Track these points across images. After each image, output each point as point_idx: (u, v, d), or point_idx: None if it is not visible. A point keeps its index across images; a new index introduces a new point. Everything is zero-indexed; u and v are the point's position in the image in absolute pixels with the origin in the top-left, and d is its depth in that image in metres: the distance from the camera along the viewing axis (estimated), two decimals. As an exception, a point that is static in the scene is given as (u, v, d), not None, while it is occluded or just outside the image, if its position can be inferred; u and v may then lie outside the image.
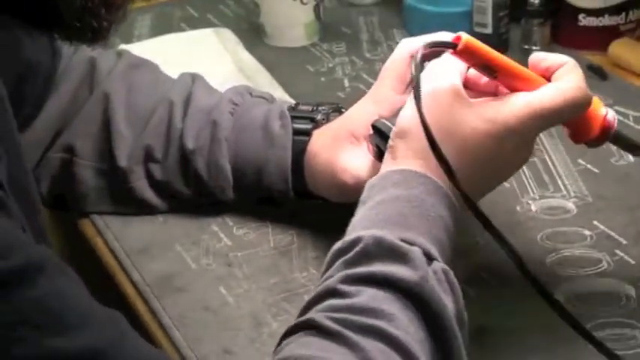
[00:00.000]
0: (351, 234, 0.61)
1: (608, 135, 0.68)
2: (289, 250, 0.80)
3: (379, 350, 0.54)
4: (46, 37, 0.83)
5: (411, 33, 1.14)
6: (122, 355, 0.50)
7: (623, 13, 1.06)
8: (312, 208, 0.84)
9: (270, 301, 0.74)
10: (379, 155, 0.73)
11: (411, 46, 0.75)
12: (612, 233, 0.78)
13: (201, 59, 0.96)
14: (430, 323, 0.56)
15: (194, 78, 0.86)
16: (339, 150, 0.76)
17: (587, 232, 0.79)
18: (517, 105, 0.64)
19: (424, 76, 0.64)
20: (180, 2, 1.28)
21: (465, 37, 0.64)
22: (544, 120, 0.64)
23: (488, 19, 1.07)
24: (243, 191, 0.82)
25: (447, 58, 0.65)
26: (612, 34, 1.07)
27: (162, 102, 0.84)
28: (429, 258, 0.58)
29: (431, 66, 0.66)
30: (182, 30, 1.20)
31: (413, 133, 0.63)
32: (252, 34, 1.17)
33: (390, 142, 0.65)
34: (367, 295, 0.56)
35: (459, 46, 0.64)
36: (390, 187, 0.62)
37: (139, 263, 0.79)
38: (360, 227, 0.61)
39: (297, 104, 0.83)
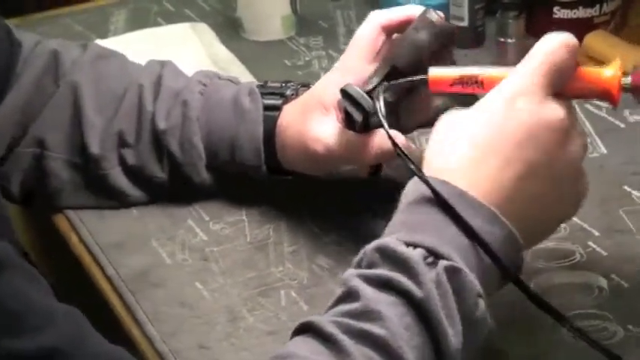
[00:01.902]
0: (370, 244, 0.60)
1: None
2: (265, 245, 0.80)
3: (366, 356, 0.54)
4: (3, 30, 0.83)
5: (388, 26, 1.14)
6: (81, 353, 0.50)
7: (598, 6, 1.07)
8: (289, 202, 0.84)
9: (245, 295, 0.74)
10: (348, 122, 0.74)
11: (380, 17, 0.76)
12: (585, 225, 0.79)
13: (177, 54, 0.96)
14: (428, 334, 0.56)
15: (163, 63, 0.86)
16: (309, 120, 0.76)
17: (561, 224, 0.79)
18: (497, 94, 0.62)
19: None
20: (157, -4, 1.28)
21: (431, 72, 0.66)
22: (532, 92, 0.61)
23: (465, 12, 1.08)
24: (216, 170, 0.82)
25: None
26: (587, 26, 1.07)
27: (132, 87, 0.83)
28: (436, 256, 0.57)
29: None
30: (158, 24, 1.19)
31: (449, 140, 0.61)
32: (229, 28, 1.17)
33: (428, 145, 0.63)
34: (369, 299, 0.56)
35: (429, 83, 0.65)
36: (417, 194, 0.60)
37: (114, 258, 0.79)
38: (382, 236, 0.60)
39: (265, 82, 0.84)
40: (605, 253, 0.76)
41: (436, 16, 0.72)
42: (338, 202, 0.84)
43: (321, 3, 1.23)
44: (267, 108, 0.80)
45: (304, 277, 0.76)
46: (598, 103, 0.95)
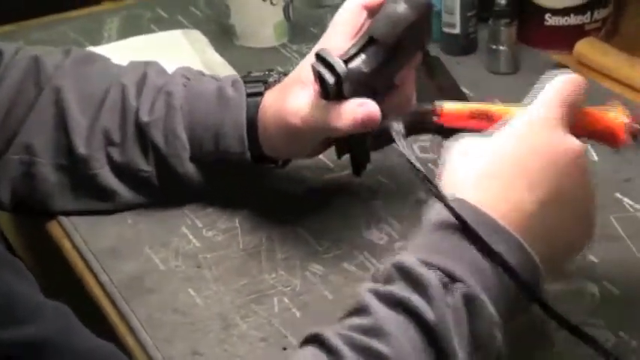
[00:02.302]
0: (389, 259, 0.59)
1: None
2: (258, 252, 0.80)
3: None
4: None
5: (380, 33, 1.15)
6: (69, 347, 0.51)
7: (589, 13, 1.08)
8: (281, 209, 0.84)
9: (238, 302, 0.75)
10: (324, 92, 0.74)
11: None
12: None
13: (170, 61, 0.96)
14: (436, 358, 0.55)
15: (147, 63, 0.87)
16: (287, 96, 0.77)
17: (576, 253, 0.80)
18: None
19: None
20: (150, 3, 1.28)
21: (445, 107, 0.67)
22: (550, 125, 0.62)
23: (457, 19, 1.08)
24: (201, 160, 0.82)
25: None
26: (578, 33, 1.08)
27: (115, 85, 0.84)
28: (453, 279, 0.56)
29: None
30: (152, 31, 1.20)
31: (470, 166, 0.61)
32: (223, 35, 1.17)
33: (451, 162, 0.63)
34: (379, 315, 0.55)
35: (441, 117, 0.66)
36: (441, 214, 0.59)
37: (107, 265, 0.79)
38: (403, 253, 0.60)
39: (248, 72, 0.85)
40: (596, 260, 0.76)
41: None
42: (330, 209, 0.84)
43: (313, 10, 1.23)
44: (250, 95, 0.81)
45: (297, 284, 0.76)
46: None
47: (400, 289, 0.56)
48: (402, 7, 0.73)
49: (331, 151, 0.83)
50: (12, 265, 0.52)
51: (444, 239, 0.58)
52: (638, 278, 0.75)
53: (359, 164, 0.82)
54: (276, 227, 0.82)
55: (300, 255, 0.79)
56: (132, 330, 0.73)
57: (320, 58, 0.73)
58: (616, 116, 0.66)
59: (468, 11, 1.08)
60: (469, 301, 0.55)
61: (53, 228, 0.86)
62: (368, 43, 0.73)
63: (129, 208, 0.85)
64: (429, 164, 0.89)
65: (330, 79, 0.72)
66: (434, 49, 1.07)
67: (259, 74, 0.84)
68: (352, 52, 0.73)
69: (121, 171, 0.83)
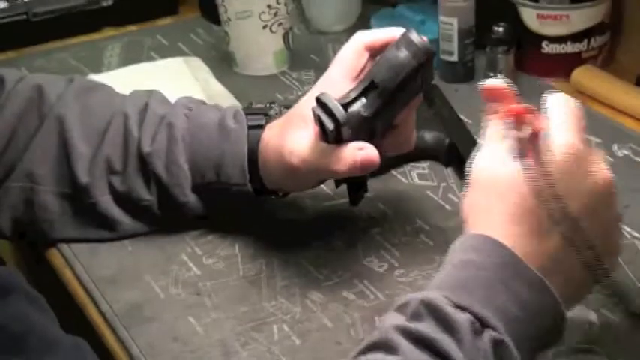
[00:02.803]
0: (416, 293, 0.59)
1: None
2: (258, 279, 0.80)
3: None
4: None
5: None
6: None
7: (585, 41, 1.08)
8: (281, 237, 0.84)
9: (239, 329, 0.75)
10: (322, 133, 0.74)
11: (364, 37, 0.77)
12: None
13: (171, 88, 0.97)
14: None
15: (149, 92, 0.87)
16: (288, 134, 0.77)
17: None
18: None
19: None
20: (151, 31, 1.29)
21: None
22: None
23: (454, 46, 1.09)
24: (203, 191, 0.82)
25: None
26: (575, 61, 1.09)
27: (117, 115, 0.84)
28: (483, 324, 0.56)
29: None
30: (152, 59, 1.21)
31: (506, 197, 0.61)
32: (222, 62, 1.18)
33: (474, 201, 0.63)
34: (409, 357, 0.55)
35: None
36: (468, 251, 0.60)
37: (108, 293, 0.80)
38: (428, 287, 0.60)
39: (250, 103, 0.85)
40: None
41: (416, 36, 0.74)
42: (330, 237, 0.85)
43: (312, 37, 1.24)
44: (251, 127, 0.82)
45: (297, 311, 0.76)
46: (586, 137, 0.96)
47: (430, 329, 0.56)
48: (403, 54, 0.73)
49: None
50: (34, 299, 0.52)
51: (473, 278, 0.58)
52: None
53: (356, 195, 0.82)
54: (276, 255, 0.83)
55: (300, 282, 0.80)
56: (132, 358, 0.73)
57: (320, 102, 0.73)
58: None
59: (466, 39, 1.09)
60: (497, 345, 0.56)
61: (53, 256, 0.86)
62: (369, 87, 0.74)
63: (130, 236, 0.85)
64: (428, 192, 0.90)
65: (329, 125, 0.73)
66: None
67: (261, 106, 0.84)
68: (352, 95, 0.74)
69: (123, 200, 0.84)
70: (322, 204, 0.89)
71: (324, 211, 0.88)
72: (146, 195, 0.83)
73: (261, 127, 0.81)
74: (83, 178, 0.83)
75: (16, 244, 1.00)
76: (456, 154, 0.89)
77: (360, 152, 0.73)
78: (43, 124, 0.84)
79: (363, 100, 0.74)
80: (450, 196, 0.89)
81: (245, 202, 0.82)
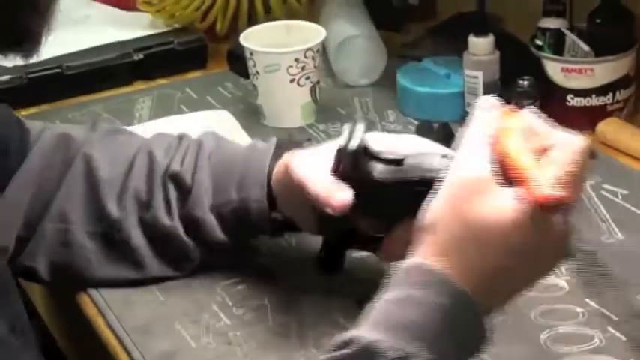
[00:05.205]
0: (352, 330, 0.62)
1: None
2: (288, 330, 0.81)
3: None
4: (13, 119, 0.87)
5: (405, 113, 1.17)
6: None
7: (610, 94, 1.09)
8: (311, 287, 0.85)
9: (269, 379, 0.75)
10: (335, 163, 0.75)
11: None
12: (604, 310, 0.80)
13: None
14: None
15: (179, 134, 0.91)
16: (304, 153, 0.80)
17: (578, 309, 0.80)
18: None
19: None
20: (180, 84, 1.31)
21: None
22: None
23: (480, 100, 1.10)
24: (222, 211, 0.84)
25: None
26: (600, 113, 1.09)
27: (143, 149, 0.88)
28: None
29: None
30: (182, 111, 1.23)
31: (440, 227, 0.63)
32: (250, 115, 1.20)
33: (417, 233, 0.64)
34: None
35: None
36: (404, 285, 0.62)
37: (140, 342, 0.80)
38: (365, 322, 0.63)
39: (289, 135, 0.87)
40: (624, 338, 0.76)
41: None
42: (361, 287, 0.85)
43: (339, 90, 1.26)
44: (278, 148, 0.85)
45: (327, 361, 0.77)
46: (614, 189, 0.97)
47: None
48: (437, 161, 0.72)
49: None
50: (9, 346, 0.53)
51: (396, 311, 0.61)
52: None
53: (334, 260, 0.81)
54: (305, 305, 0.83)
55: (329, 333, 0.80)
56: (164, 407, 0.74)
57: (359, 125, 0.75)
58: (538, 185, 0.62)
59: (491, 92, 1.10)
60: None
61: (86, 304, 0.87)
62: (395, 162, 0.74)
63: (160, 280, 0.86)
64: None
65: (342, 140, 0.74)
66: (457, 130, 1.08)
67: (297, 140, 0.86)
68: (383, 156, 0.74)
69: (151, 231, 0.85)
70: (350, 254, 0.89)
71: (352, 262, 0.89)
72: (167, 221, 0.85)
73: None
74: (114, 213, 0.85)
75: (47, 290, 1.01)
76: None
77: (340, 192, 0.74)
78: (71, 165, 0.87)
79: (382, 165, 0.74)
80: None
81: (264, 226, 0.83)
